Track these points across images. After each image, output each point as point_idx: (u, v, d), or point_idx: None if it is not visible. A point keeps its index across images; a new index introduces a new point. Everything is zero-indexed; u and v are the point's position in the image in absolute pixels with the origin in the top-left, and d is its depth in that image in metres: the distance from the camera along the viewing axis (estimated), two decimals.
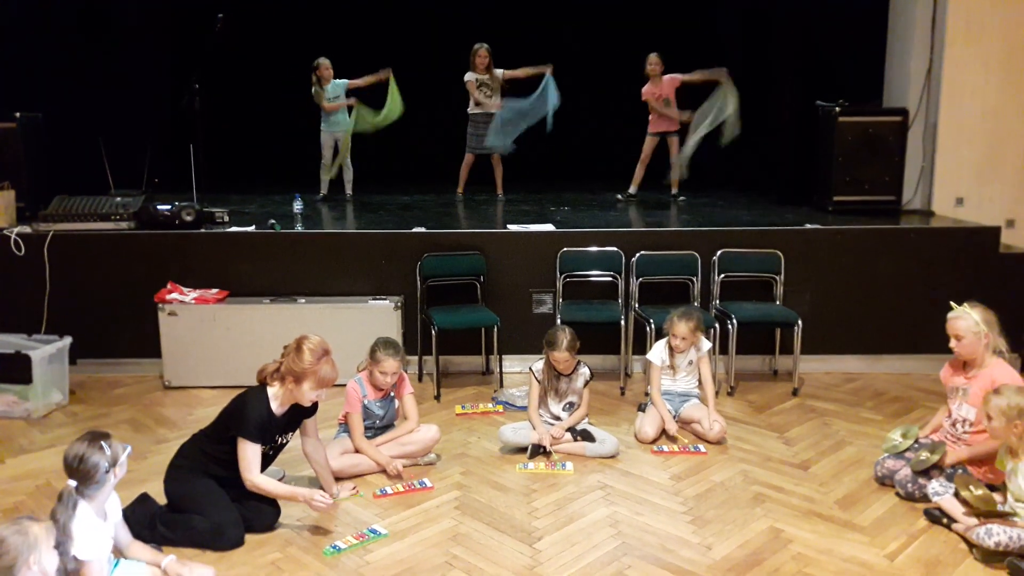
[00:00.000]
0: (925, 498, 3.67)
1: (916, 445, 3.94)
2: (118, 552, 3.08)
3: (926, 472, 3.74)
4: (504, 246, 5.56)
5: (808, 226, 5.72)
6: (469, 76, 7.10)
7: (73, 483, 2.80)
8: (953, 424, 3.91)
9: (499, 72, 7.09)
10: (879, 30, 6.74)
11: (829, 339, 5.58)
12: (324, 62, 7.02)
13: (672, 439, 4.46)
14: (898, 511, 3.71)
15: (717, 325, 5.19)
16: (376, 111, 6.72)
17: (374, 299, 5.34)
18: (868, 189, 6.30)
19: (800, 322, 5.15)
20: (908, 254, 5.61)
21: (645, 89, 7.01)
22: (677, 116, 6.96)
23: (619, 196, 7.27)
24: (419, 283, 5.39)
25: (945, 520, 3.54)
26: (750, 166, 7.82)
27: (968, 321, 3.79)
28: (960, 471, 3.68)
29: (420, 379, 5.47)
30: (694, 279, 5.48)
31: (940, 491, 3.58)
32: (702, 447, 4.38)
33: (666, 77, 6.95)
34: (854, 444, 4.45)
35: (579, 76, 8.61)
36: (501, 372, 5.38)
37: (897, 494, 3.83)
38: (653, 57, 6.98)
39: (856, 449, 4.38)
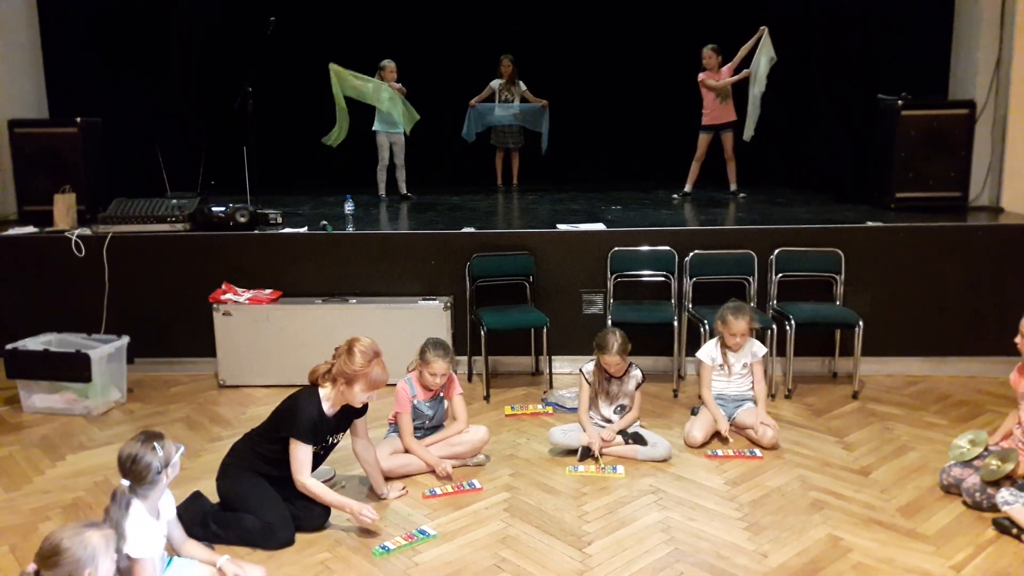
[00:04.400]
0: (993, 507, 3.52)
1: (985, 452, 3.77)
2: (171, 550, 3.11)
3: (996, 481, 3.57)
4: (554, 246, 5.51)
5: (869, 223, 5.54)
6: (493, 83, 7.98)
7: (126, 482, 2.84)
8: None
9: (522, 84, 7.99)
10: (944, 19, 6.50)
11: (891, 340, 5.40)
12: (390, 64, 7.23)
13: (724, 441, 4.36)
14: (965, 520, 3.56)
15: (775, 326, 5.06)
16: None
17: (424, 299, 5.34)
18: (932, 185, 6.09)
19: (861, 323, 4.99)
20: (975, 252, 5.39)
21: (703, 75, 6.92)
22: (733, 108, 7.00)
23: (675, 196, 7.18)
24: (468, 283, 5.38)
25: (1015, 531, 3.39)
26: (808, 162, 7.65)
27: None
28: None
29: (469, 379, 5.46)
30: (750, 279, 5.35)
31: (1010, 500, 3.42)
32: (758, 451, 4.27)
33: (723, 68, 6.88)
34: (917, 449, 4.29)
35: (632, 72, 8.58)
36: (551, 373, 5.34)
37: (964, 503, 3.68)
38: (707, 51, 6.90)
39: (919, 455, 4.22)
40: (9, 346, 4.97)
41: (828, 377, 5.48)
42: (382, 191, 7.42)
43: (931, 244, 5.41)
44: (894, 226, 5.51)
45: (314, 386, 3.54)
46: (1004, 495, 3.45)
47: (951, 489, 3.77)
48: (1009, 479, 3.56)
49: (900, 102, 6.03)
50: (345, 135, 7.06)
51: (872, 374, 5.38)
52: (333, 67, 6.89)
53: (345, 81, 6.93)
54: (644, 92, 8.58)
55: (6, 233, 5.75)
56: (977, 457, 3.76)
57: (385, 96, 7.05)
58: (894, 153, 6.08)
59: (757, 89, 6.73)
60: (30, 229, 5.82)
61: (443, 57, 8.40)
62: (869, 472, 4.04)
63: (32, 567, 2.37)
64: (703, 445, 4.35)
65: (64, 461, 4.31)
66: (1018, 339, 3.72)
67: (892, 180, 6.12)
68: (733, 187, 7.17)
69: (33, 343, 5.05)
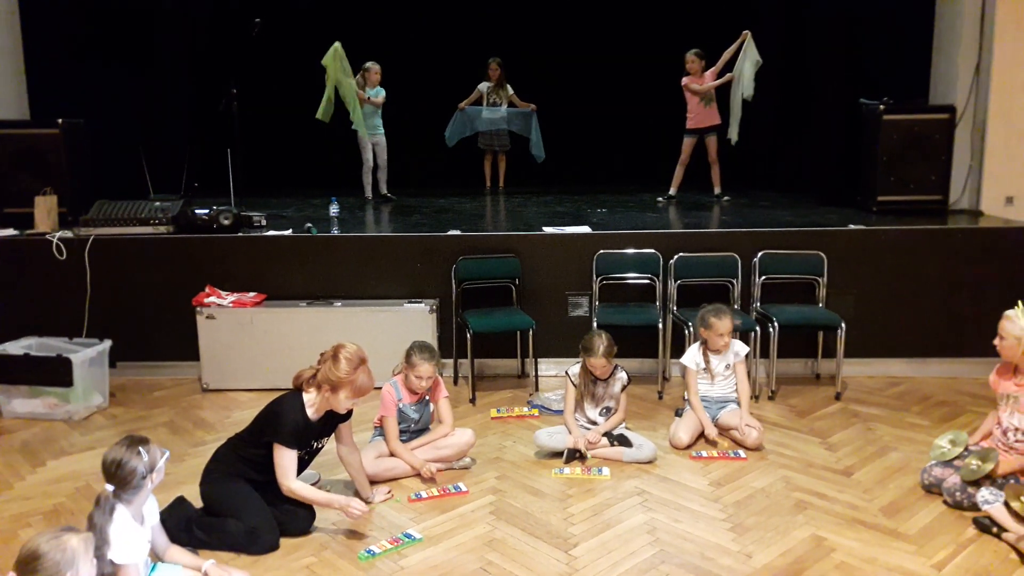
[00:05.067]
0: (974, 506, 3.55)
1: (965, 452, 3.82)
2: (155, 556, 3.09)
3: (976, 481, 3.61)
4: (539, 248, 5.52)
5: (852, 226, 5.59)
6: (482, 85, 7.99)
7: (111, 488, 2.82)
8: (1004, 433, 3.77)
9: (510, 88, 8.00)
10: (925, 25, 6.57)
11: (873, 342, 5.45)
12: (374, 67, 7.30)
13: (712, 443, 4.38)
14: (946, 519, 3.60)
15: (758, 328, 5.09)
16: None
17: (409, 302, 5.33)
18: (914, 189, 6.16)
19: (843, 325, 5.03)
20: (955, 255, 5.46)
21: (686, 79, 6.96)
22: (717, 112, 7.04)
23: (659, 199, 7.21)
24: (454, 286, 5.37)
25: (995, 529, 3.43)
26: (792, 166, 7.71)
27: (1016, 326, 3.67)
28: (1012, 480, 3.56)
29: (455, 382, 5.45)
30: (734, 281, 5.38)
31: (990, 499, 3.46)
32: (742, 452, 4.29)
33: (707, 73, 6.93)
34: (899, 450, 4.33)
35: (617, 76, 8.62)
36: (537, 375, 5.34)
37: (945, 502, 3.71)
38: (690, 56, 6.94)
39: (901, 455, 4.26)
40: None
41: (811, 378, 5.52)
42: (368, 193, 7.43)
43: (912, 247, 5.46)
44: (876, 229, 5.56)
45: (298, 391, 3.52)
46: (984, 494, 3.49)
47: (932, 489, 3.81)
48: (989, 478, 3.59)
49: (882, 107, 6.09)
50: (330, 113, 7.08)
51: (854, 375, 5.43)
52: (338, 48, 6.89)
53: (339, 71, 6.92)
54: (629, 96, 8.61)
55: None
56: (958, 457, 3.81)
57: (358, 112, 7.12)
58: (876, 157, 6.14)
59: (744, 93, 6.76)
60: (10, 232, 5.74)
61: (429, 60, 8.42)
62: (852, 472, 4.08)
63: (11, 575, 2.34)
64: (689, 446, 4.37)
65: (45, 467, 4.26)
66: (997, 340, 3.76)
67: (874, 184, 6.18)
68: (717, 190, 7.21)
69: (14, 347, 4.99)
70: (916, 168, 6.13)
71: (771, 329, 5.07)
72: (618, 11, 8.67)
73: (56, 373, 4.79)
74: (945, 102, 6.37)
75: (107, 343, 5.11)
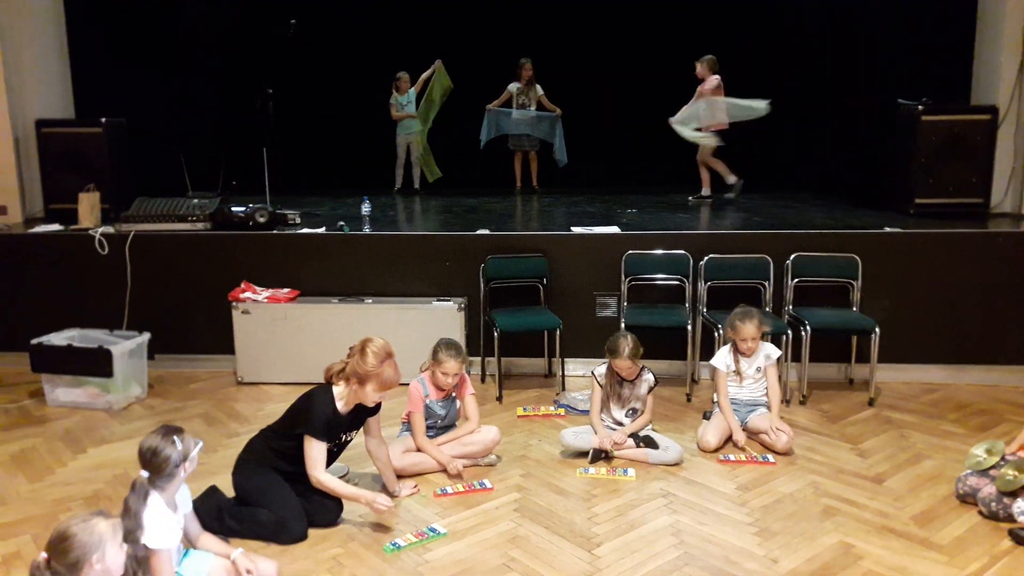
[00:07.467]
0: (1010, 518, 3.49)
1: (1002, 462, 3.74)
2: (188, 542, 3.16)
3: (1012, 491, 3.54)
4: (568, 248, 5.52)
5: (887, 229, 5.51)
6: (512, 86, 8.01)
7: (145, 474, 2.89)
8: None
9: (539, 88, 8.00)
10: (966, 24, 6.44)
11: (909, 347, 5.36)
12: (403, 76, 7.96)
13: (739, 448, 4.35)
14: (980, 530, 3.53)
15: (790, 332, 5.04)
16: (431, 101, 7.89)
17: (438, 300, 5.37)
18: (953, 191, 6.03)
19: (878, 329, 4.96)
20: (996, 259, 5.34)
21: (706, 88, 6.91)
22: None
23: (690, 198, 7.17)
24: (482, 285, 5.40)
25: None
26: (826, 167, 7.60)
27: None
28: None
29: (483, 380, 5.48)
30: (766, 283, 5.33)
31: None
32: (770, 457, 4.26)
33: (713, 78, 6.83)
34: (933, 458, 4.25)
35: (647, 76, 8.57)
36: (563, 375, 5.35)
37: (980, 512, 3.64)
38: (702, 63, 6.89)
39: (935, 463, 4.19)
40: (34, 341, 5.06)
41: (844, 383, 5.45)
42: (399, 184, 8.08)
43: (951, 250, 5.36)
44: (913, 232, 5.47)
45: (328, 384, 3.58)
46: (1021, 505, 3.43)
47: (967, 499, 3.74)
48: None
49: (920, 107, 5.98)
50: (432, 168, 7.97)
51: (889, 381, 5.34)
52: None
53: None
54: (660, 95, 8.53)
55: (33, 231, 5.86)
56: (994, 467, 3.73)
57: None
58: (914, 159, 6.03)
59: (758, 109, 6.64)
60: (56, 227, 5.92)
61: (459, 60, 8.45)
62: (883, 480, 4.02)
63: (43, 555, 2.42)
64: (717, 449, 4.35)
65: (86, 454, 4.38)
66: None
67: (912, 186, 6.06)
68: (704, 192, 7.16)
69: (57, 338, 5.13)
70: (956, 170, 6.00)
71: (803, 332, 5.02)
72: (649, 12, 8.62)
73: (97, 364, 4.92)
74: (987, 102, 6.23)
75: (146, 336, 5.23)
